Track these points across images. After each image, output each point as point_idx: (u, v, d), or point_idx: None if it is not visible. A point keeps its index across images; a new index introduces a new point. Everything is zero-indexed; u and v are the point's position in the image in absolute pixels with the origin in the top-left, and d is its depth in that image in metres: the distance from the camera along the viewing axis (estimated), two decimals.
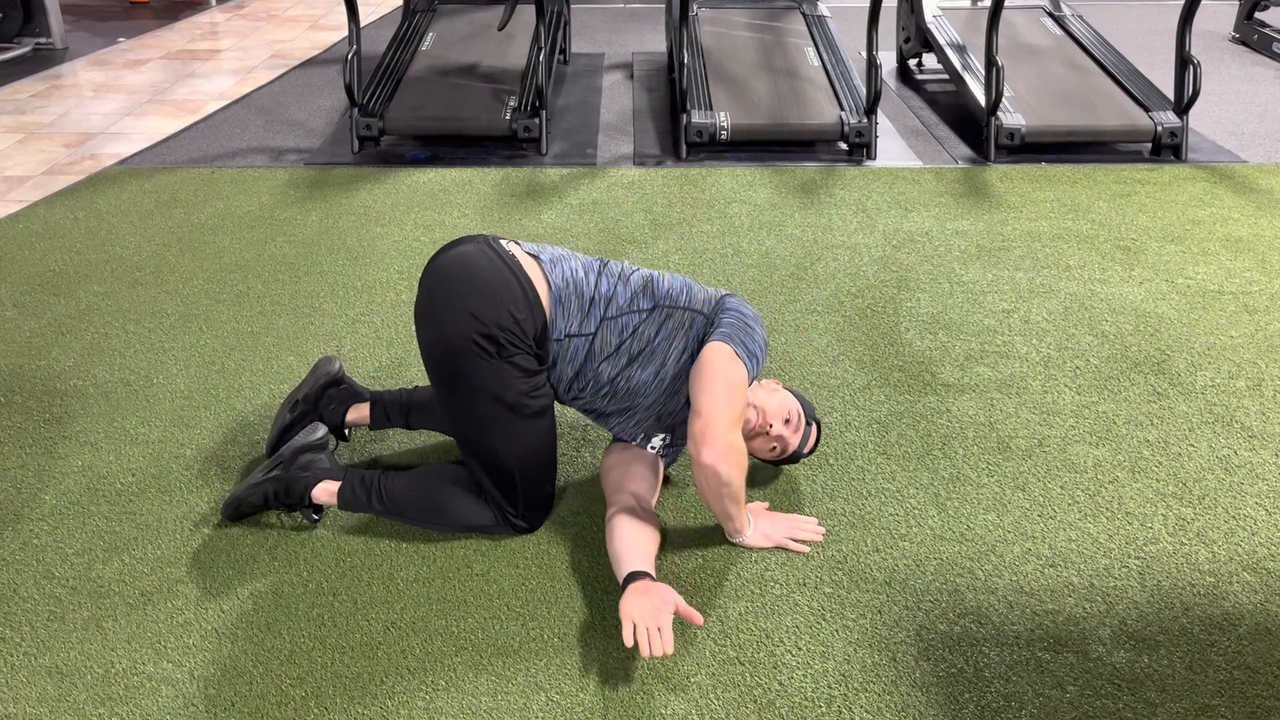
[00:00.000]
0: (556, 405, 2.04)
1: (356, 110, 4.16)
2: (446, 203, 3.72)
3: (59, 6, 5.90)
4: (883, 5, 4.33)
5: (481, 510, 1.99)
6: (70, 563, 1.97)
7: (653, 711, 1.66)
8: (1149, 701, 1.68)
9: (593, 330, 1.92)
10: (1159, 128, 4.16)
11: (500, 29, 4.41)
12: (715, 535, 2.04)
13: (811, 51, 4.87)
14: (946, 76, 5.12)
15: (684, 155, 4.19)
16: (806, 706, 1.67)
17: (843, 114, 4.22)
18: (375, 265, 3.22)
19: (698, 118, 4.15)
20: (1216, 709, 1.67)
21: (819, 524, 2.06)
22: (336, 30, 6.42)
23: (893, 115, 4.78)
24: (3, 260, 3.23)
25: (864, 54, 4.33)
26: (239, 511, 2.05)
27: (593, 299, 1.93)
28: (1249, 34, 6.02)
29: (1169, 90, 4.36)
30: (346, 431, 2.31)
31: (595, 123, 4.67)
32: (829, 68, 4.68)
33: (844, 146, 4.29)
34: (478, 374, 1.85)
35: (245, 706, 1.66)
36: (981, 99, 4.32)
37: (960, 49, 4.84)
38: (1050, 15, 5.28)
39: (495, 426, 1.90)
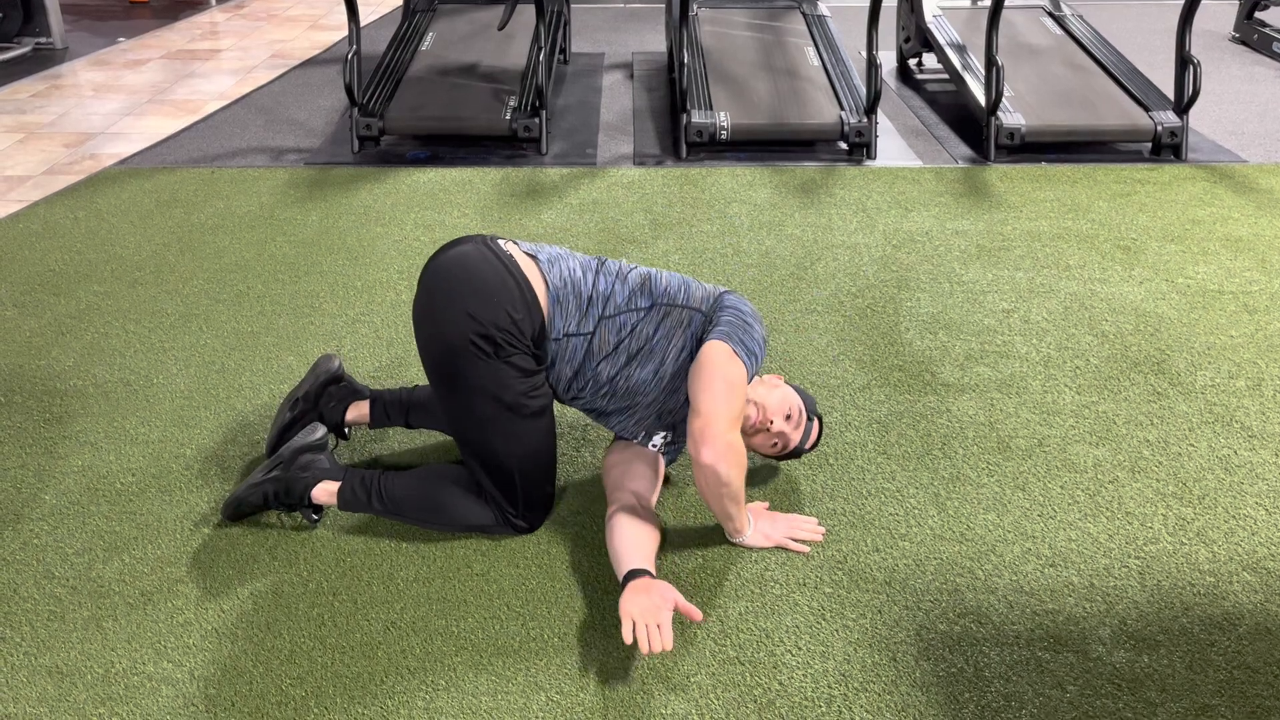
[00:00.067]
0: (556, 405, 2.04)
1: (356, 110, 4.16)
2: (446, 203, 3.72)
3: (59, 6, 5.91)
4: (883, 5, 4.33)
5: (481, 510, 1.99)
6: (70, 562, 1.97)
7: (653, 711, 1.66)
8: (1149, 701, 1.68)
9: (591, 329, 1.91)
10: (1159, 127, 4.16)
11: (500, 29, 4.41)
12: (715, 535, 2.04)
13: (811, 51, 4.87)
14: (946, 76, 5.12)
15: (684, 155, 4.20)
16: (806, 706, 1.67)
17: (843, 114, 4.22)
18: (375, 265, 3.22)
19: (698, 117, 4.15)
20: (1216, 709, 1.67)
21: (819, 524, 2.06)
22: (336, 30, 6.42)
23: (893, 115, 4.78)
24: (3, 260, 3.24)
25: (864, 54, 4.33)
26: (239, 511, 2.05)
27: (590, 298, 1.93)
28: (1249, 34, 6.02)
29: (1169, 90, 4.36)
30: (346, 430, 2.31)
31: (595, 122, 4.67)
32: (829, 67, 4.68)
33: (844, 146, 4.29)
34: (476, 374, 1.85)
35: (245, 706, 1.67)
36: (981, 99, 4.32)
37: (960, 49, 4.84)
38: (1050, 15, 5.28)
39: (494, 426, 1.89)
